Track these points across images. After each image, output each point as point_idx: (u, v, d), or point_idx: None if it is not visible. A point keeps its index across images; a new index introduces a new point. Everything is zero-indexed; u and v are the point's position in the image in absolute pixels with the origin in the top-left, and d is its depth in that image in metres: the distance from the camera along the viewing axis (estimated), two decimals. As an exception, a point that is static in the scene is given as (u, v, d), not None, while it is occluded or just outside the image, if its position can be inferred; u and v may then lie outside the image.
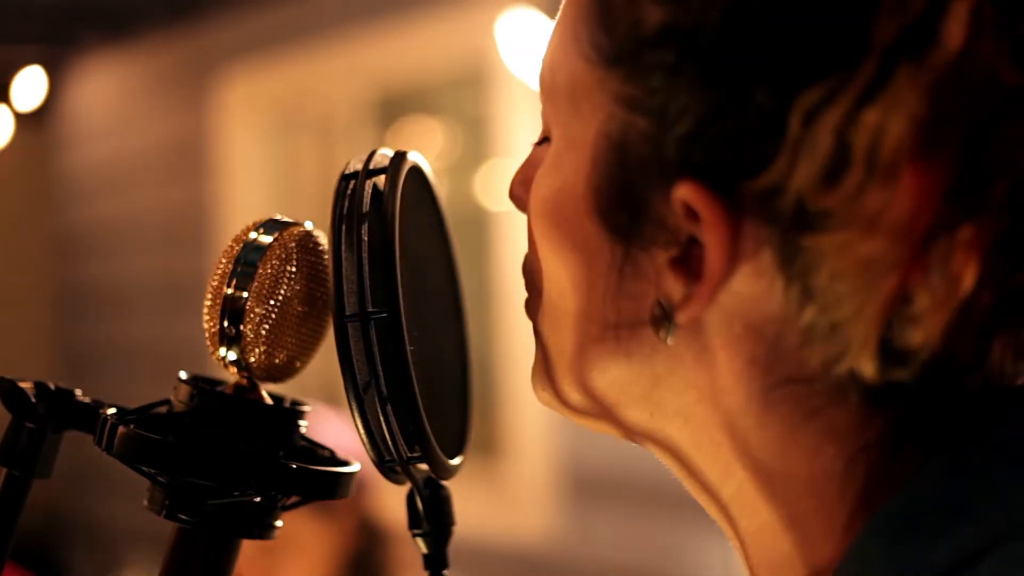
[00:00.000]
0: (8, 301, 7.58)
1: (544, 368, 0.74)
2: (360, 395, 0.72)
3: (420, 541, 0.79)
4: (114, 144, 6.61)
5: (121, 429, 0.76)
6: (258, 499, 0.76)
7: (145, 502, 0.79)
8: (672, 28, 0.62)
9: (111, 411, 0.79)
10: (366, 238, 0.73)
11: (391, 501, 2.52)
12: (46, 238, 7.43)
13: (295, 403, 0.81)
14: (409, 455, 0.74)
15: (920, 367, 0.61)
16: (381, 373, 0.72)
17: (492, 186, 4.57)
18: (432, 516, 0.79)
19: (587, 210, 0.67)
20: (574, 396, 0.72)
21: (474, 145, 4.75)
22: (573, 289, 0.69)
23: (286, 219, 0.80)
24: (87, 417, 0.82)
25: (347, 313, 0.72)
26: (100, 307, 6.79)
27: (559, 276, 0.69)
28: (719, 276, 0.62)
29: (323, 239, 0.80)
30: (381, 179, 0.75)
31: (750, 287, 0.62)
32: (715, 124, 0.60)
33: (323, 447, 0.82)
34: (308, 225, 0.80)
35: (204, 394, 0.78)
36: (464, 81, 4.61)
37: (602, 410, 0.71)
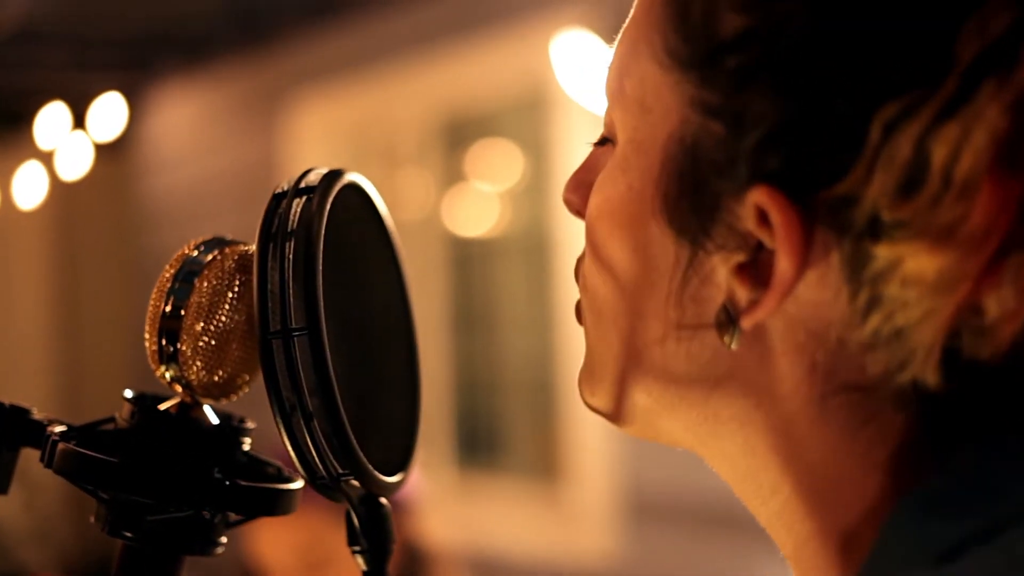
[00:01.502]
0: (89, 328, 7.70)
1: (594, 373, 0.74)
2: (286, 413, 0.73)
3: (359, 559, 0.79)
4: (191, 171, 6.69)
5: (61, 446, 0.77)
6: (205, 516, 0.77)
7: (92, 518, 0.80)
8: (752, 34, 0.62)
9: (58, 429, 0.80)
10: (291, 255, 0.73)
11: (433, 524, 2.52)
12: (126, 265, 7.53)
13: (241, 420, 0.82)
14: (340, 472, 0.75)
15: (984, 378, 0.61)
16: (304, 390, 0.72)
17: (553, 210, 4.57)
18: (370, 533, 0.78)
19: (653, 212, 0.67)
20: (627, 399, 0.72)
21: (535, 169, 4.75)
22: (634, 290, 0.69)
23: (229, 238, 0.81)
24: (40, 434, 0.83)
25: (270, 330, 0.72)
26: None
27: (619, 277, 0.69)
28: (788, 283, 0.62)
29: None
30: (311, 197, 0.76)
31: (816, 294, 0.62)
32: (792, 131, 0.61)
33: (270, 463, 0.83)
34: (250, 245, 0.80)
35: (144, 412, 0.79)
36: (524, 105, 4.62)
37: (655, 414, 0.71)
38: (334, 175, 0.77)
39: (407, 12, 4.99)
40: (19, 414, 0.84)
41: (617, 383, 0.71)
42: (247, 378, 0.81)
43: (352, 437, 0.73)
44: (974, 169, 0.57)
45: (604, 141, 0.74)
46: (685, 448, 0.73)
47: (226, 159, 6.33)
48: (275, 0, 5.62)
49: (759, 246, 0.63)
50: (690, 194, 0.65)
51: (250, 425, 0.81)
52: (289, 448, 0.74)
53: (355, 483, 0.76)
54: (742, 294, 0.64)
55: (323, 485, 0.76)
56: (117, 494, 0.77)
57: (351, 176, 0.79)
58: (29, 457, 0.83)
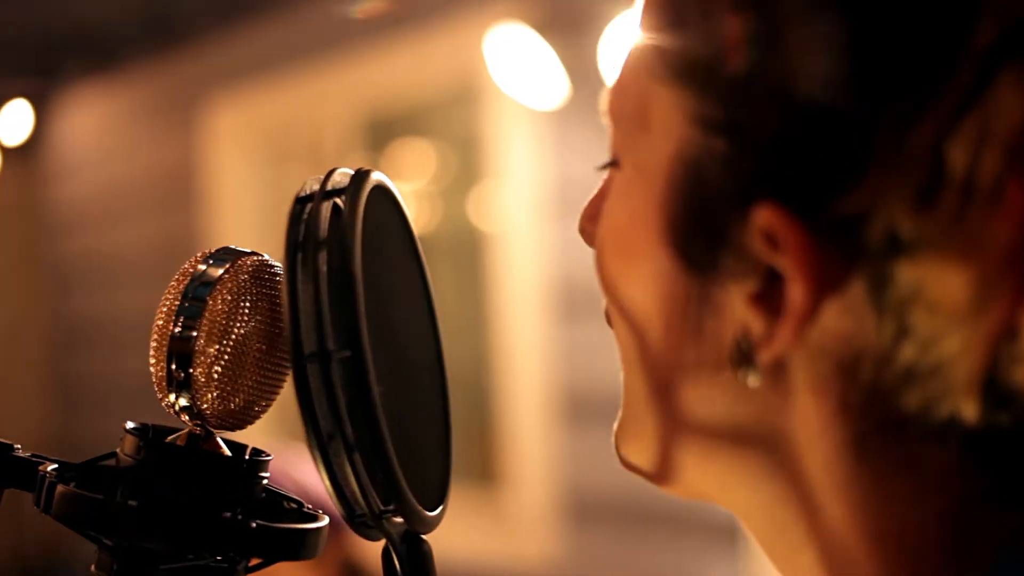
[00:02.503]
0: (0, 335, 7.52)
1: (629, 428, 0.67)
2: (324, 444, 0.65)
3: None
4: (102, 176, 6.56)
5: (60, 488, 0.68)
6: (225, 562, 0.68)
7: (92, 567, 0.71)
8: (751, 38, 0.56)
9: (52, 467, 0.71)
10: (324, 267, 0.65)
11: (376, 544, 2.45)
12: (37, 272, 7.38)
13: (256, 452, 0.73)
14: (382, 509, 0.67)
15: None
16: (346, 419, 0.64)
17: (485, 207, 4.50)
18: (411, 574, 0.70)
19: (661, 241, 0.61)
20: (666, 455, 0.65)
21: (465, 166, 4.68)
22: (649, 329, 0.63)
23: (238, 248, 0.73)
24: (27, 473, 0.74)
25: (306, 353, 0.64)
26: (93, 340, 6.72)
27: (633, 315, 0.64)
28: (803, 310, 0.55)
29: (280, 269, 0.72)
30: (340, 201, 0.67)
31: (839, 323, 0.56)
32: (796, 141, 0.55)
33: (289, 498, 0.74)
34: (264, 255, 0.72)
35: (152, 446, 0.70)
36: (454, 101, 4.55)
37: (682, 466, 0.64)
38: (363, 175, 0.69)
39: (333, 7, 4.88)
40: (1, 451, 0.75)
41: (653, 438, 0.65)
42: (264, 404, 0.73)
43: (399, 470, 0.65)
44: (997, 171, 0.51)
45: (611, 166, 0.68)
46: (717, 503, 0.66)
47: (140, 163, 6.20)
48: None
49: (771, 272, 0.57)
50: (696, 220, 0.59)
51: (267, 457, 0.73)
52: (327, 483, 0.66)
53: (397, 520, 0.68)
54: (756, 326, 0.58)
55: (361, 522, 0.68)
56: (127, 541, 0.68)
57: (377, 175, 0.71)
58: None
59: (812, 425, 0.58)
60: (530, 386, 4.03)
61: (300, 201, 0.68)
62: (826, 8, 0.55)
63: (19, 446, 0.76)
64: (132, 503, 0.67)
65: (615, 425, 0.69)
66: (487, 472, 4.39)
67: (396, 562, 0.70)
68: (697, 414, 0.62)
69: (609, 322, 0.68)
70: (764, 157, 0.56)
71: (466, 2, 4.22)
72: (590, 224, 0.69)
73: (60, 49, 6.26)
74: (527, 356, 4.02)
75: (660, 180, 0.61)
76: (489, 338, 4.25)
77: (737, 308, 0.58)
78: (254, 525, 0.67)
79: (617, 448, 0.68)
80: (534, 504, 4.14)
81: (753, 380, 0.58)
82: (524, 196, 3.95)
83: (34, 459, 0.74)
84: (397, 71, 4.62)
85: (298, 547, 0.70)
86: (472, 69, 4.14)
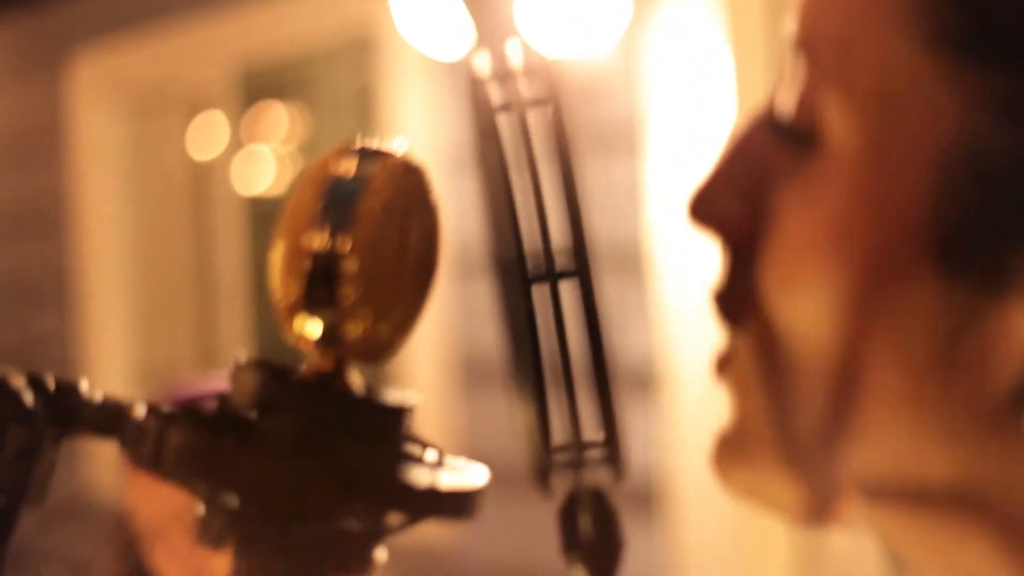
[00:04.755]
0: None
1: (761, 446, 0.55)
2: (538, 372, 0.54)
3: (580, 568, 0.59)
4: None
5: (177, 435, 0.55)
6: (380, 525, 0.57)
7: (198, 532, 0.58)
8: None
9: (142, 410, 0.59)
10: (537, 168, 0.53)
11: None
12: None
13: (392, 392, 0.62)
14: (587, 450, 0.56)
15: None
16: (568, 345, 0.53)
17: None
18: (599, 534, 0.59)
19: (916, 244, 0.49)
20: (820, 490, 0.53)
21: (353, 123, 4.54)
22: (864, 343, 0.51)
23: (378, 146, 0.61)
24: (103, 418, 0.61)
25: (531, 273, 0.53)
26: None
27: (843, 330, 0.51)
28: None
29: (425, 168, 0.64)
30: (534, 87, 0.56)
31: None
32: None
33: (430, 444, 0.63)
34: (401, 148, 0.61)
35: (287, 385, 0.58)
36: (343, 53, 4.40)
37: (871, 514, 0.53)
38: (542, 56, 0.57)
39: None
40: (68, 391, 0.62)
41: (805, 468, 0.53)
42: (409, 332, 0.62)
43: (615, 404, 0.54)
44: None
45: (791, 136, 0.54)
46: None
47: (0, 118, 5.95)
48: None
49: None
50: (986, 227, 0.48)
51: (413, 400, 0.62)
52: (534, 417, 0.55)
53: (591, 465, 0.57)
54: None
55: (550, 467, 0.56)
56: (263, 499, 0.56)
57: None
58: None
59: None
60: (425, 351, 3.92)
61: (480, 84, 0.56)
62: None
63: (86, 383, 0.63)
64: (286, 453, 0.55)
65: (731, 442, 0.57)
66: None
67: (582, 519, 0.59)
68: (916, 454, 0.51)
69: (730, 317, 0.56)
70: None
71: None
72: (732, 202, 0.55)
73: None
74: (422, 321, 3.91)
75: (923, 171, 0.49)
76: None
77: None
78: (428, 483, 0.56)
79: (724, 471, 0.57)
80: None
81: None
82: (419, 153, 3.82)
83: (109, 402, 0.61)
84: (281, 22, 4.45)
85: (466, 506, 0.60)
86: (368, 20, 4.00)
